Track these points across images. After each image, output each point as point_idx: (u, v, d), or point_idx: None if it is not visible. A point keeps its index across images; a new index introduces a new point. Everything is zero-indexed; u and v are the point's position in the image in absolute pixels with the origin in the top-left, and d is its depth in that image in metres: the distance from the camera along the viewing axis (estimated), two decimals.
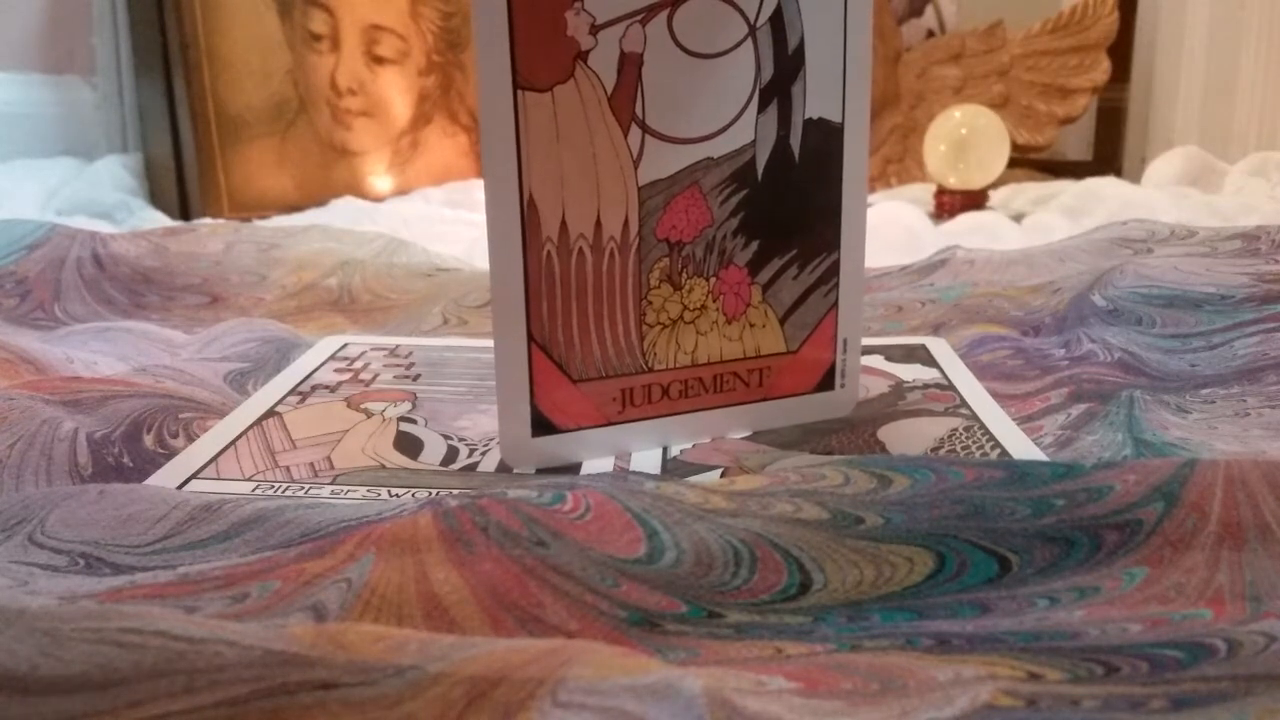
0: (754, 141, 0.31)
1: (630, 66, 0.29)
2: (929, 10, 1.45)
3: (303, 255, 0.62)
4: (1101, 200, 0.97)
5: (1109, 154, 1.48)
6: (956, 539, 0.25)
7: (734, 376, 0.33)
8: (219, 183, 1.00)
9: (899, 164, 1.29)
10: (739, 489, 0.26)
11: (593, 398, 0.32)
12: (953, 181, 1.04)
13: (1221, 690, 0.19)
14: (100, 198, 0.94)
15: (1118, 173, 1.21)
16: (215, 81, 1.00)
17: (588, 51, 0.28)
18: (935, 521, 0.25)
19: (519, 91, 0.28)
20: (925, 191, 1.11)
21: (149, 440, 0.35)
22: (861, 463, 0.27)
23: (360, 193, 1.05)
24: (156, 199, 1.01)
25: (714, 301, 0.32)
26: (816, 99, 0.32)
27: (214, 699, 0.17)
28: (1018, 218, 0.93)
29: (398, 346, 0.47)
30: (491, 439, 0.36)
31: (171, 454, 0.34)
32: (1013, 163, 1.10)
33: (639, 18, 0.29)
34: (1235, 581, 0.23)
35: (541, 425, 0.32)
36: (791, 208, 0.32)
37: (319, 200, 1.01)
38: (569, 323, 0.31)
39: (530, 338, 0.31)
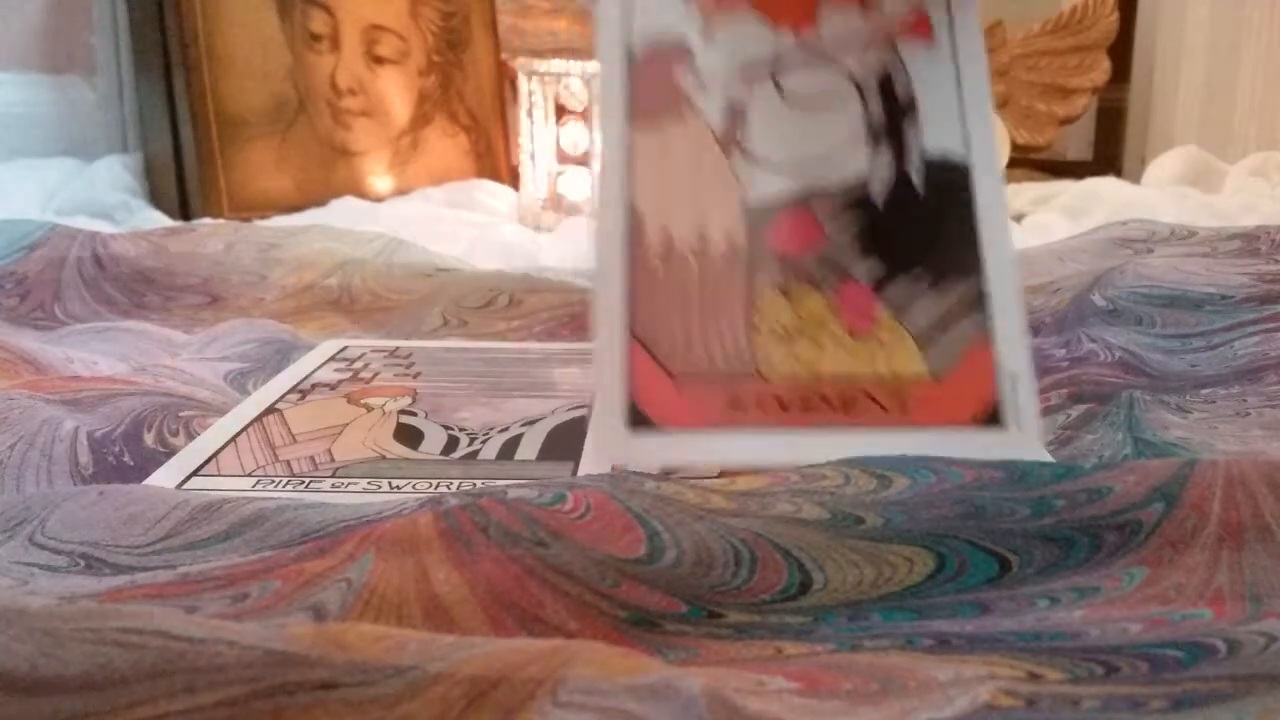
0: (867, 173, 0.32)
1: (735, 113, 0.32)
2: None
3: (303, 255, 0.62)
4: (1101, 200, 0.97)
5: (1109, 154, 1.48)
6: (956, 539, 0.25)
7: (866, 397, 0.30)
8: (219, 183, 1.00)
9: None
10: (739, 489, 0.26)
11: (696, 398, 0.30)
12: None
13: (1221, 690, 0.19)
14: (100, 198, 0.94)
15: (1118, 173, 1.21)
16: (215, 81, 1.00)
17: (696, 98, 0.32)
18: (935, 521, 0.25)
19: (633, 126, 0.31)
20: None
21: (149, 439, 0.35)
22: (861, 463, 0.27)
23: (360, 193, 1.05)
24: (156, 199, 1.01)
25: (833, 315, 0.31)
26: (934, 137, 0.32)
27: (214, 699, 0.17)
28: (1018, 218, 0.93)
29: (398, 348, 0.47)
30: (492, 428, 0.36)
31: (172, 452, 0.34)
32: (1013, 163, 1.10)
33: (744, 77, 0.32)
34: (1235, 581, 0.23)
35: (638, 420, 0.30)
36: (917, 235, 0.32)
37: (319, 200, 1.01)
38: (670, 319, 0.30)
39: (631, 334, 0.30)
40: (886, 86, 0.32)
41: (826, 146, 0.32)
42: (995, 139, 0.32)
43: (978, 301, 0.31)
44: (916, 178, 0.32)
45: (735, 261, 0.31)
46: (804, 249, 0.31)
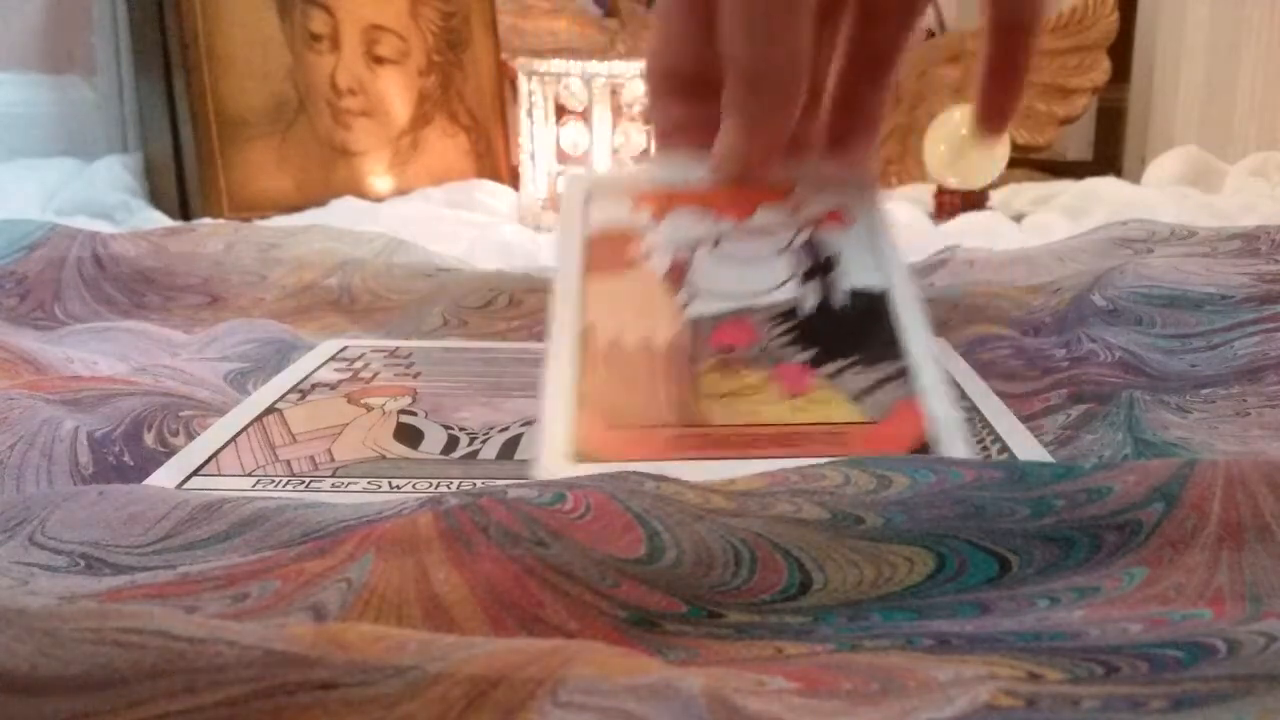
0: (796, 299, 0.36)
1: (679, 267, 0.37)
2: (929, 10, 1.45)
3: (303, 255, 0.62)
4: (1101, 200, 0.97)
5: (1109, 154, 1.48)
6: (956, 539, 0.25)
7: (804, 436, 0.32)
8: (219, 183, 1.00)
9: (899, 164, 1.29)
10: (739, 489, 0.26)
11: (640, 440, 0.32)
12: (953, 181, 1.04)
13: (1221, 690, 0.19)
14: (100, 198, 0.94)
15: (1118, 173, 1.21)
16: (215, 81, 1.00)
17: (644, 262, 0.37)
18: (935, 521, 0.25)
19: (588, 274, 0.36)
20: (925, 191, 1.11)
21: (149, 439, 0.35)
22: (861, 463, 0.27)
23: (360, 193, 1.05)
24: (156, 199, 1.01)
25: (771, 384, 0.33)
26: (856, 276, 0.37)
27: (214, 699, 0.17)
28: (1018, 218, 0.93)
29: (398, 348, 0.47)
30: (492, 428, 0.36)
31: (172, 452, 0.34)
32: (1013, 163, 1.10)
33: (687, 246, 0.37)
34: (1235, 581, 0.23)
35: (580, 458, 0.31)
36: (843, 337, 0.35)
37: (319, 200, 1.01)
38: (615, 391, 0.33)
39: (577, 399, 0.32)
40: (811, 249, 0.38)
41: (758, 285, 0.37)
42: (910, 281, 0.37)
43: (903, 374, 0.34)
44: (840, 302, 0.36)
45: (678, 353, 0.34)
46: (741, 346, 0.35)
